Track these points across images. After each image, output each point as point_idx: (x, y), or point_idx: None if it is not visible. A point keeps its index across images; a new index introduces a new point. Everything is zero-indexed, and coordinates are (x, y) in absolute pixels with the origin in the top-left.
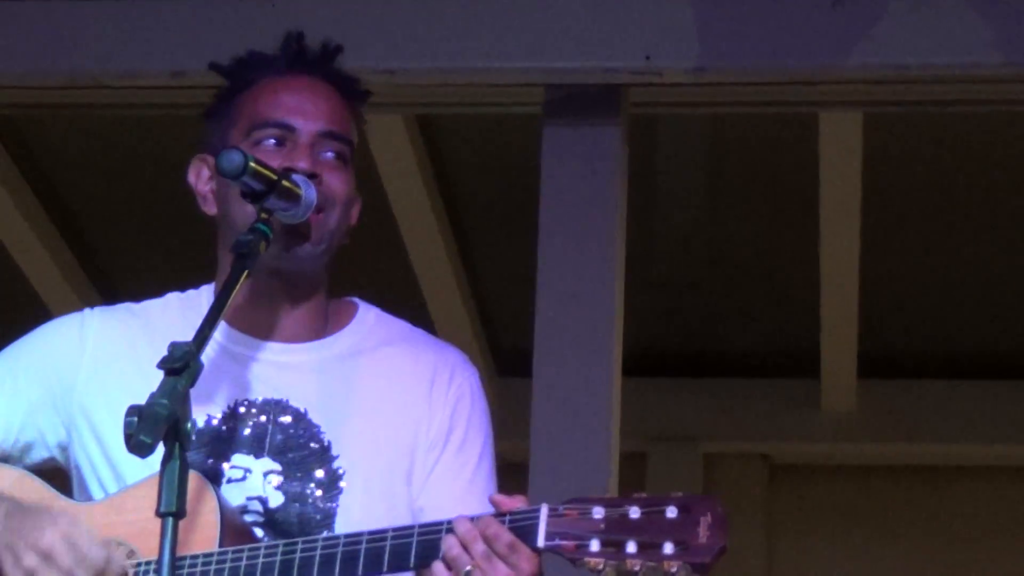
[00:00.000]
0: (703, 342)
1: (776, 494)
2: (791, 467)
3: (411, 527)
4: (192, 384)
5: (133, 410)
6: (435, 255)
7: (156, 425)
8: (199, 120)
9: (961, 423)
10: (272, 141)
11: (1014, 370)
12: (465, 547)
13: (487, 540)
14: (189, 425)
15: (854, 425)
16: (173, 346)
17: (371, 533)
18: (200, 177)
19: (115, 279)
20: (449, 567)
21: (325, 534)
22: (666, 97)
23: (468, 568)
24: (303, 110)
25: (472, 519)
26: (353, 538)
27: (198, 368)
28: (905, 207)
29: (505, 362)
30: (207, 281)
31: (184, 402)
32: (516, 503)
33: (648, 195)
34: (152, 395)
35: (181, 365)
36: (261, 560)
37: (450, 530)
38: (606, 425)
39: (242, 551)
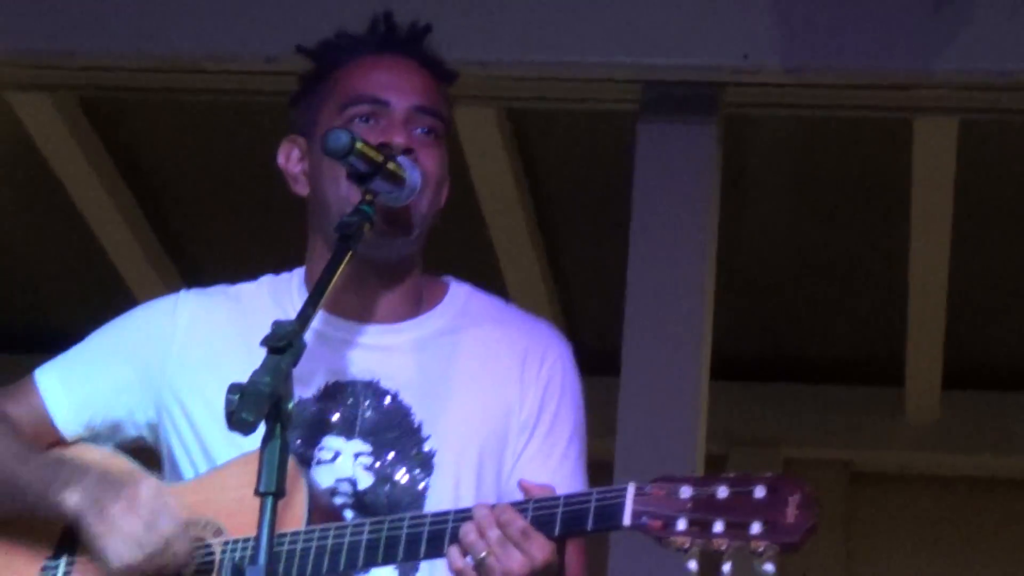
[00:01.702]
0: (787, 346)
1: (856, 502)
2: (872, 475)
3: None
4: (295, 363)
5: (235, 388)
6: (521, 251)
7: (259, 403)
8: (288, 107)
9: None
10: (366, 118)
11: None
12: (481, 533)
13: (501, 526)
14: (291, 405)
15: (937, 435)
16: (276, 324)
17: (457, 512)
18: (291, 158)
19: (199, 262)
20: (465, 553)
21: (411, 513)
22: (762, 98)
23: (483, 554)
24: (396, 86)
25: (492, 506)
26: (439, 517)
27: (301, 347)
28: (997, 217)
29: (589, 360)
30: (290, 264)
31: (287, 381)
32: (543, 490)
33: (736, 197)
34: (255, 372)
35: (285, 344)
36: (348, 539)
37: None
38: (692, 427)
39: (329, 529)
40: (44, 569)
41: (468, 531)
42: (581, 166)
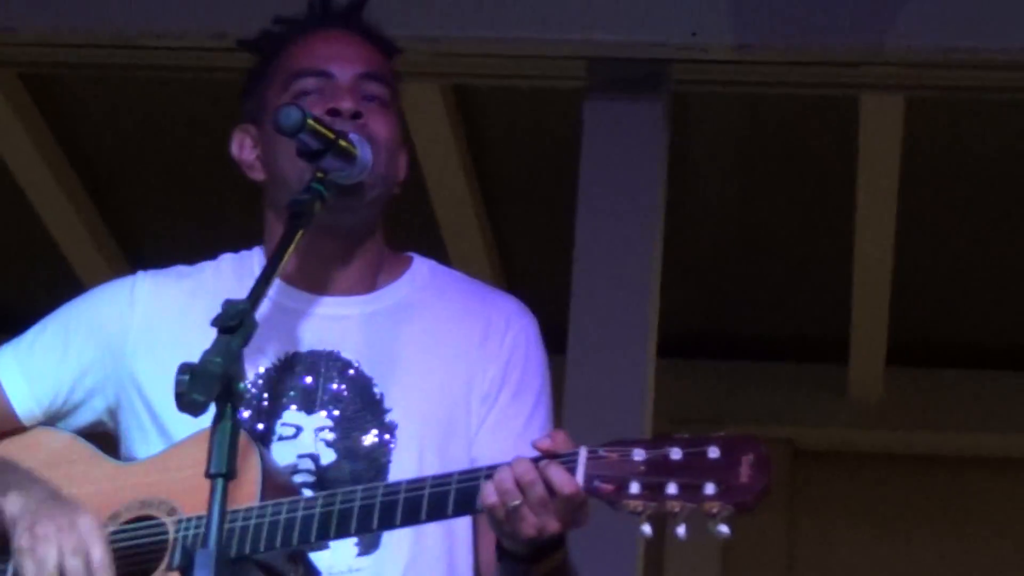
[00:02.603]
0: (731, 323)
1: (799, 479)
2: (815, 453)
3: (450, 475)
4: (246, 343)
5: (185, 368)
6: (466, 228)
7: (209, 383)
8: (236, 84)
9: (988, 414)
10: (312, 93)
11: None
12: (522, 489)
13: (549, 486)
14: (242, 385)
15: (880, 413)
16: (227, 304)
17: (409, 482)
18: (243, 147)
19: (143, 241)
20: (498, 495)
21: (364, 485)
22: (709, 75)
23: (517, 502)
24: (338, 56)
25: (536, 462)
26: (392, 488)
27: (252, 327)
28: (942, 195)
29: None
30: (236, 244)
31: (237, 361)
32: (557, 444)
33: (681, 174)
34: (205, 352)
35: (235, 323)
36: (301, 513)
37: (488, 476)
38: (640, 405)
39: (282, 504)
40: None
41: (505, 479)
42: (527, 143)
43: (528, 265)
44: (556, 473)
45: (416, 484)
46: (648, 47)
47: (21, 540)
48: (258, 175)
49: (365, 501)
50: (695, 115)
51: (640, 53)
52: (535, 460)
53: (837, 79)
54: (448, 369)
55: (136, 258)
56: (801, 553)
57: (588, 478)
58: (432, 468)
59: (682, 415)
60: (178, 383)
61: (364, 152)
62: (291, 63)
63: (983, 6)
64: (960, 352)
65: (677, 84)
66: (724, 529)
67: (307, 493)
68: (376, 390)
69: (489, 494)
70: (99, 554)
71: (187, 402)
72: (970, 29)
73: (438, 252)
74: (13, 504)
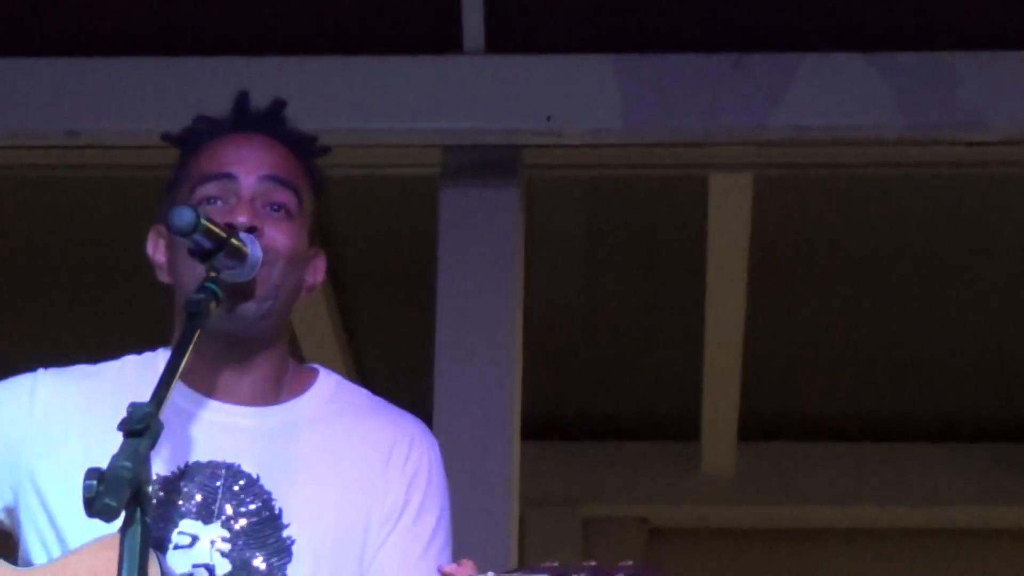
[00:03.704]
0: (582, 404)
1: (655, 558)
2: (670, 530)
3: None
4: (153, 446)
5: (93, 473)
6: (317, 322)
7: (120, 488)
8: (89, 181)
9: (840, 486)
10: (216, 200)
11: (891, 432)
12: None
13: None
14: (150, 489)
15: (733, 488)
16: (133, 407)
17: None
18: (157, 248)
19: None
20: None
21: None
22: (562, 159)
23: None
24: (243, 159)
25: None
26: None
27: (159, 429)
28: (792, 270)
29: None
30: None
31: (146, 464)
32: (466, 571)
33: (532, 258)
34: (114, 457)
35: (142, 427)
36: None
37: None
38: (506, 489)
39: None
40: None
41: None
42: (380, 232)
43: (381, 357)
44: None
45: None
46: (500, 134)
47: None
48: (164, 277)
49: None
50: (541, 199)
51: (492, 140)
52: None
53: (685, 160)
54: (349, 488)
55: None
56: None
57: None
58: None
59: (536, 499)
60: (86, 488)
61: (254, 250)
62: (198, 167)
63: (831, 85)
64: (811, 425)
65: (529, 168)
66: None
67: None
68: (275, 504)
69: None
70: None
71: (99, 508)
72: (819, 107)
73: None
74: None
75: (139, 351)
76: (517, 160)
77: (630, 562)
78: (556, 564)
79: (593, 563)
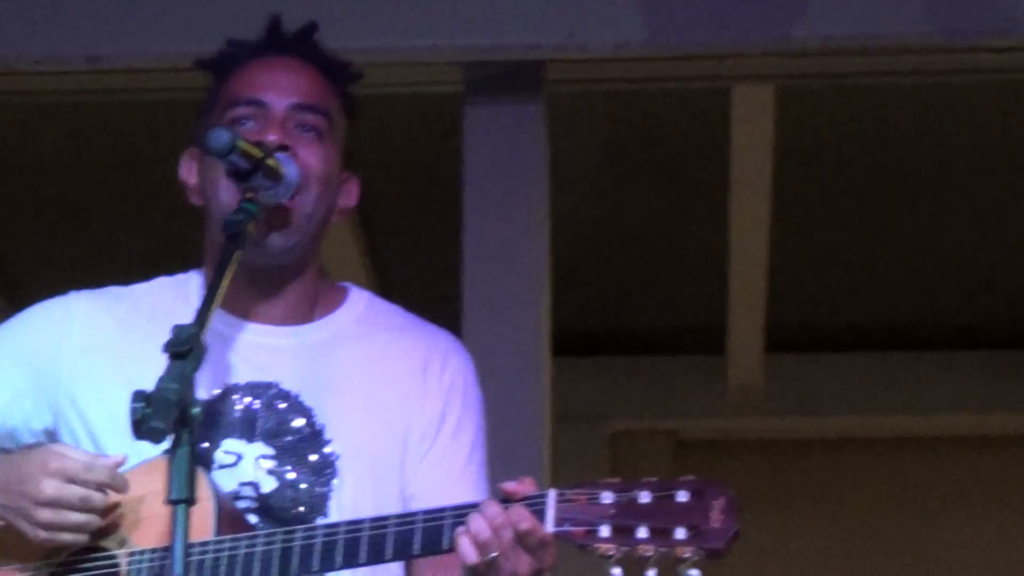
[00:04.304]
0: (610, 320)
1: (683, 470)
2: (698, 443)
3: (414, 514)
4: (198, 368)
5: (140, 395)
6: (340, 244)
7: (167, 410)
8: (112, 107)
9: (865, 395)
10: (247, 121)
11: (917, 341)
12: (495, 532)
13: (519, 534)
14: (196, 411)
15: (760, 400)
16: (178, 329)
17: (373, 520)
18: (191, 171)
19: (21, 279)
20: (477, 548)
21: (322, 520)
22: (585, 73)
23: (495, 554)
24: (274, 85)
25: (507, 506)
26: (355, 526)
27: (203, 351)
28: (815, 181)
29: None
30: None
31: (191, 386)
32: (525, 488)
33: (556, 173)
34: (160, 379)
35: (187, 348)
36: (260, 548)
37: (457, 518)
38: (537, 406)
39: (240, 539)
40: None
41: (482, 529)
42: (405, 151)
43: (406, 278)
44: (525, 517)
45: (380, 523)
46: (523, 49)
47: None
48: (198, 200)
49: (328, 538)
50: (564, 114)
51: (515, 55)
52: (503, 503)
53: (707, 72)
54: (388, 402)
55: (11, 291)
56: None
57: (558, 521)
58: (369, 500)
59: (563, 414)
60: (133, 410)
61: (291, 171)
62: (230, 90)
63: None
64: (837, 336)
65: (552, 84)
66: (694, 573)
67: (252, 519)
68: (317, 421)
69: (469, 553)
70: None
71: (146, 430)
72: (838, 17)
73: None
74: None
75: (169, 273)
76: (540, 75)
77: (691, 477)
78: (619, 480)
79: (654, 479)
